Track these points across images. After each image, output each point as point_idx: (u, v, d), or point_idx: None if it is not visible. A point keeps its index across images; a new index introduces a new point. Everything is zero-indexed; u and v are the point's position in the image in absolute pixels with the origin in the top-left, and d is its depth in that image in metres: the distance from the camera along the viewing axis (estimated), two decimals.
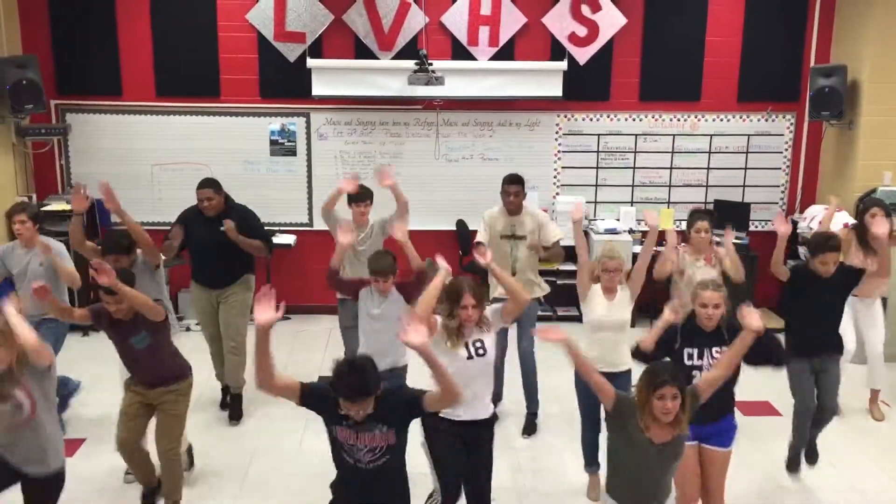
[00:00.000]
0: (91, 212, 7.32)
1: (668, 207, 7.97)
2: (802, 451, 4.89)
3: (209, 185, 5.51)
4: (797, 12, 7.77)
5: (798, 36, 7.81)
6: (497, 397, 5.51)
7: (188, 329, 7.11)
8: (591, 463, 4.74)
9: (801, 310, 4.74)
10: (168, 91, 7.66)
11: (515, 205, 5.56)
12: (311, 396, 3.24)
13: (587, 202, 7.83)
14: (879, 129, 7.32)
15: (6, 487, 3.65)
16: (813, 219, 7.37)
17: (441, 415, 3.72)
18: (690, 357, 3.82)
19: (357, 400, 3.05)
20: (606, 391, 3.40)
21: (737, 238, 7.63)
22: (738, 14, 7.74)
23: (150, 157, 7.69)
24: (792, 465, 4.90)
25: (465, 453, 3.89)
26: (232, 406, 5.79)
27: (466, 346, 3.83)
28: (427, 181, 7.87)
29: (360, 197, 5.49)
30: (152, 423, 4.44)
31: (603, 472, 3.76)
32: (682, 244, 5.23)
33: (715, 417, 3.79)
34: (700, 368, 3.79)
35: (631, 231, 7.79)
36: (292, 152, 7.87)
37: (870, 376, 5.88)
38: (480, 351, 3.83)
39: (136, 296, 4.03)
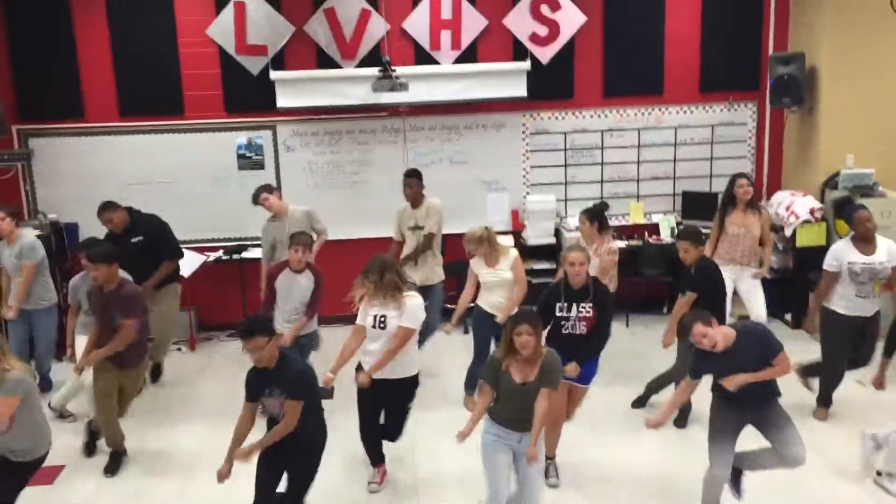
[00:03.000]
0: (59, 235, 7.29)
1: (638, 202, 8.04)
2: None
3: (105, 208, 6.08)
4: (753, 1, 7.87)
5: (756, 25, 7.91)
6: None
7: None
8: (469, 387, 5.75)
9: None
10: (131, 111, 7.62)
11: (411, 196, 6.35)
12: (252, 394, 4.11)
13: (557, 200, 7.86)
14: (839, 114, 7.42)
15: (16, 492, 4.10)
16: (779, 205, 7.47)
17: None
18: (561, 310, 4.68)
19: (244, 338, 3.89)
20: (486, 393, 4.06)
21: (703, 227, 7.74)
22: (695, 6, 7.83)
23: (116, 178, 7.59)
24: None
25: (381, 403, 4.82)
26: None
27: (374, 317, 4.68)
28: (397, 188, 7.79)
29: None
30: None
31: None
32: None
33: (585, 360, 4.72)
34: (568, 319, 4.67)
35: None
36: (260, 166, 7.85)
37: None
38: (382, 325, 4.68)
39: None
